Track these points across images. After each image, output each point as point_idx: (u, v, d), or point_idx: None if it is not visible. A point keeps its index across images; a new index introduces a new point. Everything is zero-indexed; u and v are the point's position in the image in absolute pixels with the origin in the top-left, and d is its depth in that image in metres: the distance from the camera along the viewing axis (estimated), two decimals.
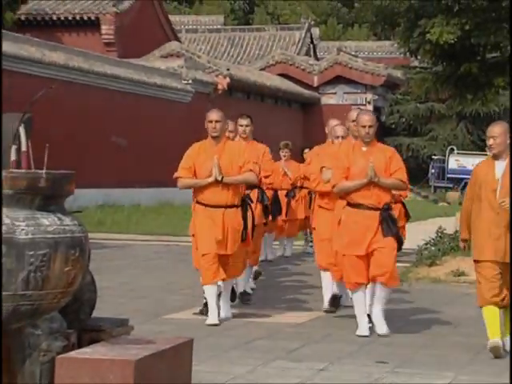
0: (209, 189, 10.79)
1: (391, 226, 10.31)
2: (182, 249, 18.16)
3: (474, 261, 9.55)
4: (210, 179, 10.68)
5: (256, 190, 12.54)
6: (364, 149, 10.50)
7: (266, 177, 12.91)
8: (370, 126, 10.38)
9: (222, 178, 10.67)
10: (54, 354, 6.74)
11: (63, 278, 6.91)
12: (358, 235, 10.24)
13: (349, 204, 10.37)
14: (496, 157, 9.47)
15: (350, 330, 10.49)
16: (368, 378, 8.07)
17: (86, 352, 6.84)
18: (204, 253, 10.64)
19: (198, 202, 10.94)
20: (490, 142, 9.49)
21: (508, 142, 9.40)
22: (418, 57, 28.31)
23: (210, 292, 10.69)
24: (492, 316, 9.30)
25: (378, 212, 10.26)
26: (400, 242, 10.70)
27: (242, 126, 12.55)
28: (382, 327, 10.35)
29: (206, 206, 10.84)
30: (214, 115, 10.98)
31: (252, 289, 13.04)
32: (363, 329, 10.27)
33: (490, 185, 9.35)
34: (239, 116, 12.82)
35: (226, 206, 10.86)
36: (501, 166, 9.37)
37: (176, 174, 10.98)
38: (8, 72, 26.95)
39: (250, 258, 12.33)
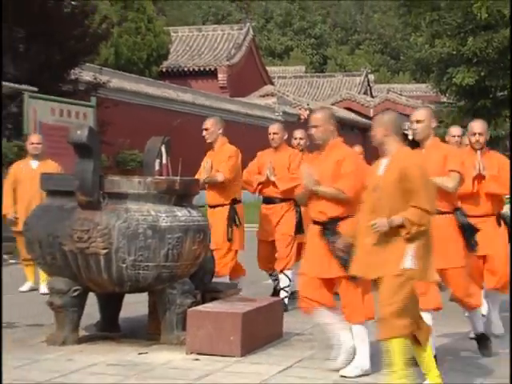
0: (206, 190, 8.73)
1: (337, 245, 5.94)
2: None
3: None
4: (201, 180, 8.34)
5: None
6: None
7: None
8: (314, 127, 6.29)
9: (206, 178, 8.55)
10: (186, 308, 6.80)
11: (191, 254, 6.96)
12: (314, 256, 6.16)
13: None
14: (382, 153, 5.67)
15: None
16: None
17: (208, 307, 6.88)
18: None
19: None
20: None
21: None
22: (447, 95, 27.97)
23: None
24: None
25: (321, 227, 6.13)
26: None
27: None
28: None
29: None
30: (204, 124, 9.15)
31: None
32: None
33: (371, 183, 5.51)
34: None
35: (213, 206, 8.69)
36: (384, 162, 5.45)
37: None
38: (153, 108, 27.25)
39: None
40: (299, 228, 9.05)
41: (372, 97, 51.90)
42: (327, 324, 6.27)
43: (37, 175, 8.16)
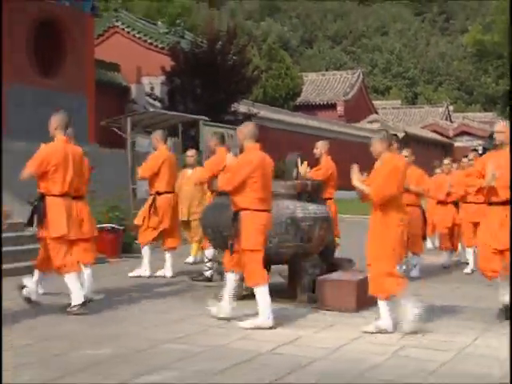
0: None
1: None
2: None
3: None
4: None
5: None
6: None
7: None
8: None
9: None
10: (315, 277, 6.74)
11: (319, 237, 6.89)
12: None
13: None
14: None
15: (458, 275, 9.86)
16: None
17: (331, 276, 6.81)
18: None
19: None
20: None
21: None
22: (508, 121, 26.99)
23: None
24: None
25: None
26: None
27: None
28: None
29: None
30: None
31: None
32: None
33: None
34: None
35: None
36: None
37: None
38: (290, 132, 27.34)
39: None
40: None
41: (451, 122, 50.33)
42: None
43: (190, 179, 8.89)
